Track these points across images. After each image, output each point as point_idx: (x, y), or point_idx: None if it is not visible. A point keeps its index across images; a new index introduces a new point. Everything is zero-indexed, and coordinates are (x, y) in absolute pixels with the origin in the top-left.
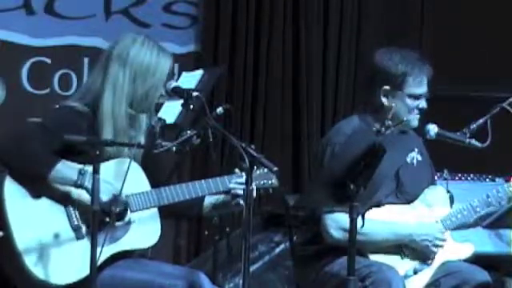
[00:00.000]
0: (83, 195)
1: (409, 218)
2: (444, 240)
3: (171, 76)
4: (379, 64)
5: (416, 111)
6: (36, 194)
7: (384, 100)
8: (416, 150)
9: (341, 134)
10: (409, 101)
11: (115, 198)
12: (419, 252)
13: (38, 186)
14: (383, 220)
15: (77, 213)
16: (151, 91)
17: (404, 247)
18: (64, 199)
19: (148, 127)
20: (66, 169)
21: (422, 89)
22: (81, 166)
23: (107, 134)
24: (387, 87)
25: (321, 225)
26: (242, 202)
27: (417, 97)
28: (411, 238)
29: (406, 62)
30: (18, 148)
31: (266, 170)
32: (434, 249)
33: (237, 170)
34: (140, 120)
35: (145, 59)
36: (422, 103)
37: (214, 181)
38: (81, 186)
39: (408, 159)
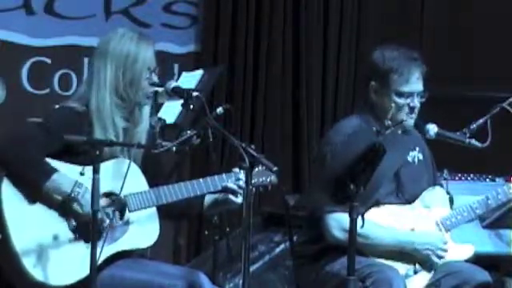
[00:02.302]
0: (77, 207)
1: (408, 218)
2: (446, 250)
3: (156, 62)
4: (370, 61)
5: (407, 110)
6: (31, 199)
7: (373, 97)
8: (417, 148)
9: (341, 134)
10: (396, 98)
11: (112, 207)
12: (420, 260)
13: (34, 192)
14: (387, 226)
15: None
16: (135, 79)
17: (405, 255)
18: (59, 209)
19: (150, 124)
20: (62, 180)
21: (411, 87)
22: (77, 179)
23: (97, 130)
24: (374, 83)
25: (323, 225)
26: (236, 199)
27: (405, 95)
28: (413, 246)
29: (394, 59)
30: (17, 152)
31: (264, 167)
32: (436, 258)
33: (235, 169)
34: (137, 113)
35: (124, 48)
36: (413, 102)
37: (212, 179)
38: (74, 200)
39: (409, 158)
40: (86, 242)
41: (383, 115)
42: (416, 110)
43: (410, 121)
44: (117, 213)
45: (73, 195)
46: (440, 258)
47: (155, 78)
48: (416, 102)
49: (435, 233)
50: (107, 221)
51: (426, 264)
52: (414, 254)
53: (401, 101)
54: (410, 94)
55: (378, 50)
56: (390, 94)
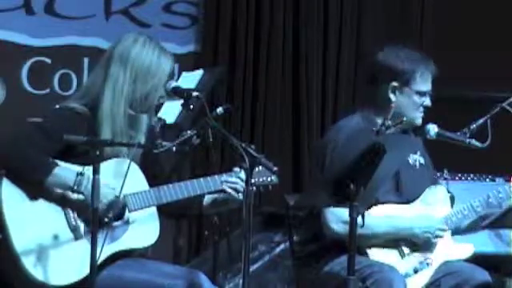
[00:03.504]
0: (80, 198)
1: (408, 216)
2: (444, 230)
3: (171, 76)
4: (386, 61)
5: (421, 108)
6: (33, 196)
7: (392, 96)
8: (418, 152)
9: (341, 132)
10: (416, 98)
11: (114, 202)
12: (419, 245)
13: (35, 188)
14: (383, 214)
15: (75, 213)
16: (151, 92)
17: (403, 241)
18: (61, 202)
19: (148, 127)
20: (64, 174)
21: (428, 86)
22: (78, 170)
23: (106, 134)
24: (395, 84)
25: (321, 219)
26: (236, 195)
27: (423, 94)
28: (412, 231)
29: (412, 59)
30: (17, 151)
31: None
32: (435, 240)
33: (235, 168)
34: (140, 120)
35: (146, 60)
36: (427, 101)
37: (213, 178)
38: (77, 192)
39: (410, 161)
40: (88, 233)
41: (396, 114)
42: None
43: (420, 120)
44: (117, 208)
45: (76, 187)
46: (439, 237)
47: (163, 92)
48: (429, 101)
49: (431, 214)
50: (111, 213)
51: (424, 247)
52: (413, 240)
53: (419, 100)
54: (426, 94)
55: (387, 51)
56: (410, 93)
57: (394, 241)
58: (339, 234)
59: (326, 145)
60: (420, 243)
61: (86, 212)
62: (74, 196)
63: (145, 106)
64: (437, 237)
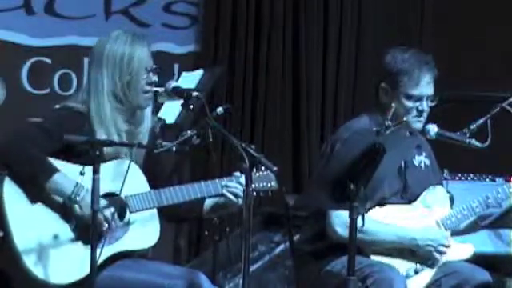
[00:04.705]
0: (77, 209)
1: (408, 217)
2: (448, 246)
3: (154, 60)
4: (383, 62)
5: (415, 112)
6: (32, 199)
7: (384, 98)
8: (424, 154)
9: (350, 131)
10: (405, 101)
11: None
12: (421, 257)
13: (35, 191)
14: (389, 223)
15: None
16: (132, 81)
17: (406, 252)
18: (59, 210)
19: (152, 124)
20: (63, 181)
21: (420, 90)
22: (77, 181)
23: (100, 134)
24: (384, 85)
25: (326, 221)
26: (236, 200)
27: (414, 98)
28: (415, 242)
29: (405, 61)
30: (18, 151)
31: (265, 172)
32: (437, 255)
33: (236, 173)
34: (141, 115)
35: (118, 51)
36: (422, 105)
37: (213, 182)
38: (74, 202)
39: (416, 162)
40: (86, 244)
41: (395, 116)
42: (425, 114)
43: (417, 124)
44: (116, 214)
45: (73, 197)
46: (441, 253)
47: (154, 78)
48: (425, 106)
49: (436, 229)
50: (106, 225)
51: (427, 261)
52: (416, 251)
53: (409, 103)
54: (419, 98)
55: (391, 51)
56: (398, 96)
57: (396, 250)
58: (343, 237)
59: (335, 142)
60: (422, 255)
61: (82, 222)
62: (72, 206)
63: (132, 97)
64: (439, 252)
